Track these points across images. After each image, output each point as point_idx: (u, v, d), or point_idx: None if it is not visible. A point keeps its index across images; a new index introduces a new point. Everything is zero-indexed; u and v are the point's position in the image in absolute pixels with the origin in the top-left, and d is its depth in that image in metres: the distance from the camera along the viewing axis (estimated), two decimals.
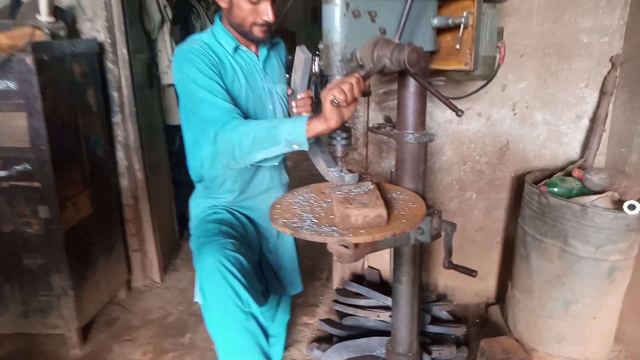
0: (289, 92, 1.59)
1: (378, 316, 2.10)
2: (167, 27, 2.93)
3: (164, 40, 2.92)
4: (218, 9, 4.56)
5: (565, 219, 1.78)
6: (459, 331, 2.13)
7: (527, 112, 2.17)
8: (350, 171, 1.39)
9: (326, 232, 1.17)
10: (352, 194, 1.31)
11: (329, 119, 1.10)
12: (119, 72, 2.40)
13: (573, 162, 2.18)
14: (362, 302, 2.20)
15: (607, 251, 1.74)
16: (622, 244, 1.73)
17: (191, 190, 1.75)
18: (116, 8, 2.30)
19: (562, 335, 1.92)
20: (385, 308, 2.13)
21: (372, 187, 1.36)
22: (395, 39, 1.17)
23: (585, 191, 1.90)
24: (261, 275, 1.65)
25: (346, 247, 1.34)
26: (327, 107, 1.09)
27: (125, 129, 2.49)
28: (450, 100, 1.25)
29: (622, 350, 2.04)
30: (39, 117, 1.84)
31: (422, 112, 1.46)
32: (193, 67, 1.33)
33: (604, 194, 1.79)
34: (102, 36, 2.30)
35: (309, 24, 9.49)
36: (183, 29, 3.98)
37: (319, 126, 1.13)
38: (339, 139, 1.31)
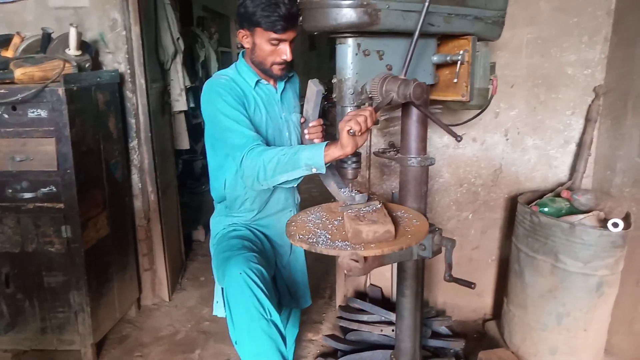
0: (302, 120, 1.75)
1: (381, 331, 2.21)
2: (179, 58, 3.11)
3: (177, 71, 3.10)
4: (220, 38, 4.76)
5: (556, 237, 1.93)
6: (458, 345, 2.24)
7: (519, 137, 2.34)
8: (360, 192, 1.53)
9: (340, 247, 1.31)
10: (362, 212, 1.45)
11: (345, 147, 1.26)
12: (137, 100, 2.55)
13: (562, 184, 2.34)
14: (365, 317, 2.31)
15: (594, 266, 1.88)
16: (609, 259, 1.87)
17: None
18: (136, 42, 2.48)
19: (556, 347, 2.03)
20: (388, 323, 2.25)
21: (379, 206, 1.50)
22: (402, 75, 1.33)
23: (574, 211, 2.04)
24: (275, 289, 1.77)
25: (356, 261, 1.48)
26: (343, 136, 1.24)
27: (140, 153, 2.64)
28: (449, 127, 1.41)
29: None
30: (67, 142, 1.98)
31: (423, 139, 1.61)
32: (221, 99, 1.49)
33: (590, 213, 1.94)
34: (122, 67, 2.46)
35: (307, 51, 9.81)
36: (188, 57, 4.18)
37: (336, 152, 1.28)
38: (349, 162, 1.46)
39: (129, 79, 2.49)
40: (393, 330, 2.18)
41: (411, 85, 1.29)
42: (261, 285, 1.42)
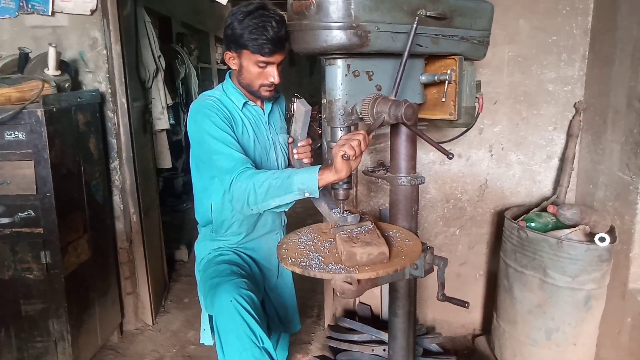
0: (290, 140, 1.73)
1: (372, 350, 2.18)
2: (160, 76, 3.07)
3: (158, 89, 3.06)
4: (200, 54, 4.74)
5: (544, 252, 1.94)
6: None
7: (503, 153, 2.37)
8: (351, 212, 1.52)
9: (334, 270, 1.29)
10: (355, 233, 1.44)
11: (340, 171, 1.24)
12: (118, 120, 2.50)
13: (546, 198, 2.37)
14: (355, 337, 2.28)
15: (582, 281, 1.90)
16: (595, 273, 1.89)
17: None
18: (117, 60, 2.43)
19: None
20: (379, 342, 2.22)
21: (372, 226, 1.49)
22: (392, 96, 1.33)
23: (560, 225, 2.07)
24: (263, 313, 1.73)
25: (350, 283, 1.46)
26: (338, 160, 1.23)
27: (122, 174, 2.57)
28: (440, 144, 1.41)
29: None
30: (46, 165, 1.92)
31: (413, 157, 1.61)
32: (209, 121, 1.46)
33: (576, 228, 1.97)
34: (103, 87, 2.41)
35: (286, 67, 9.84)
36: (167, 74, 4.14)
37: (330, 177, 1.27)
38: (341, 183, 1.44)
39: (110, 99, 2.44)
40: (385, 350, 2.16)
41: (402, 106, 1.29)
42: (252, 312, 1.38)
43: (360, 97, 1.39)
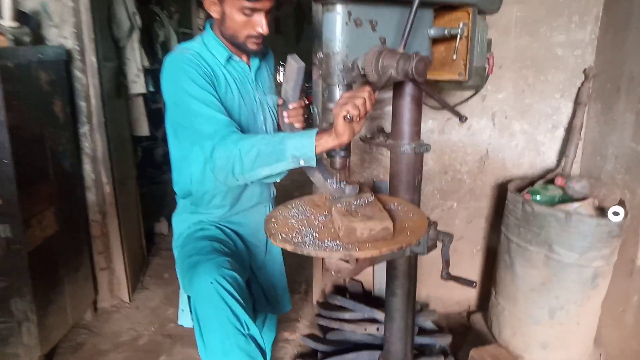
0: (280, 102, 1.54)
1: (365, 330, 2.06)
2: (136, 36, 2.82)
3: (133, 49, 2.81)
4: (181, 18, 4.37)
5: (550, 227, 1.81)
6: (445, 341, 2.12)
7: (506, 122, 2.21)
8: (349, 183, 1.35)
9: (330, 247, 1.13)
10: (353, 206, 1.27)
11: (341, 135, 1.07)
12: (88, 81, 2.27)
13: (550, 171, 2.24)
14: (347, 315, 2.16)
15: (590, 257, 1.78)
16: (605, 250, 1.77)
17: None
18: (85, 15, 2.18)
19: (548, 341, 1.94)
20: (372, 321, 2.10)
21: (372, 198, 1.33)
22: (400, 49, 1.15)
23: (566, 198, 1.94)
24: (249, 294, 1.57)
25: (346, 261, 1.30)
26: (339, 122, 1.05)
27: (93, 141, 2.36)
28: (452, 108, 1.24)
29: (601, 354, 2.09)
30: (2, 129, 1.70)
31: (417, 122, 1.44)
32: (187, 77, 1.26)
33: (585, 201, 1.84)
34: (69, 43, 2.17)
35: (272, 35, 9.49)
36: (146, 37, 3.85)
37: (329, 142, 1.09)
38: (338, 149, 1.27)
39: (78, 57, 2.20)
40: (378, 330, 2.04)
41: (413, 59, 1.11)
42: (236, 295, 1.21)
43: (362, 50, 1.21)
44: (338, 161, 1.29)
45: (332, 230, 1.22)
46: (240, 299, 1.21)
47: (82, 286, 2.34)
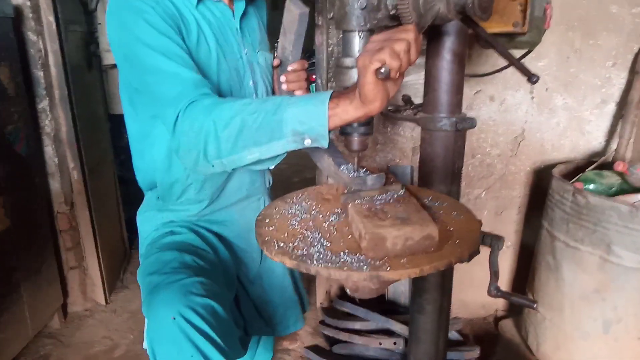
0: (276, 62, 1.18)
1: (380, 344, 1.73)
2: None
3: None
4: None
5: (610, 223, 1.47)
6: (472, 355, 1.80)
7: (547, 95, 1.85)
8: (370, 171, 1.00)
9: (349, 264, 0.78)
10: (378, 203, 0.92)
11: (371, 100, 0.71)
12: (45, 45, 1.89)
13: (596, 154, 1.90)
14: (358, 325, 1.82)
15: None
16: None
17: (140, 189, 1.30)
18: None
19: (599, 359, 1.61)
20: (388, 333, 1.77)
21: (402, 192, 0.98)
22: None
23: (626, 188, 1.60)
24: (238, 316, 1.22)
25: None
26: (369, 80, 0.70)
27: (54, 118, 1.99)
28: (520, 64, 0.88)
29: None
30: None
31: (459, 89, 1.08)
32: (141, 20, 0.89)
33: None
34: None
35: (269, 11, 8.98)
36: None
37: (351, 111, 0.73)
38: (355, 125, 0.91)
39: (31, 15, 1.82)
40: (395, 344, 1.71)
41: None
42: (210, 332, 0.86)
43: None
44: (356, 141, 0.93)
45: (350, 238, 0.88)
46: (215, 338, 0.86)
47: (46, 290, 2.00)
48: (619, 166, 1.55)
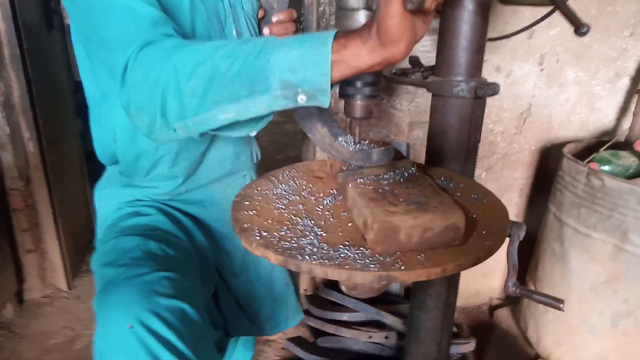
0: (260, 14, 0.97)
1: (370, 337, 1.58)
2: None
3: None
4: None
5: (627, 208, 1.33)
6: (468, 348, 1.66)
7: (557, 67, 1.69)
8: (374, 144, 0.82)
9: (352, 261, 0.61)
10: (385, 183, 0.75)
11: (396, 39, 0.53)
12: None
13: (606, 133, 1.75)
14: (345, 316, 1.67)
15: None
16: None
17: None
18: None
19: (605, 355, 1.50)
20: (378, 325, 1.62)
21: (413, 169, 0.80)
22: None
23: None
24: (217, 315, 1.04)
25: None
26: (394, 12, 0.51)
27: (4, 81, 1.75)
28: (568, 9, 0.71)
29: None
30: None
31: (481, 47, 0.90)
32: None
33: None
34: None
35: None
36: None
37: (364, 55, 0.55)
38: (359, 85, 0.73)
39: None
40: (387, 338, 1.56)
41: None
42: (176, 342, 0.67)
43: None
44: (359, 105, 0.75)
45: (350, 226, 0.70)
46: (181, 348, 0.68)
47: None
48: (638, 145, 1.40)
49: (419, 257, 0.62)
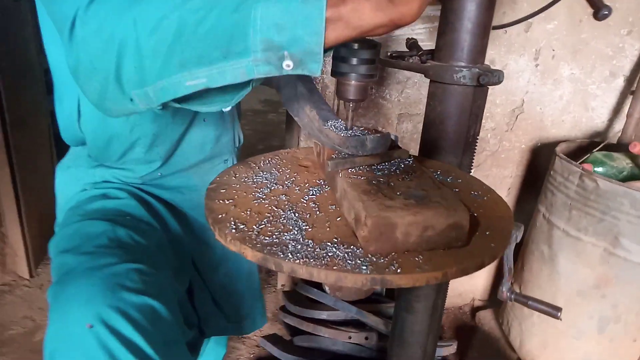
0: None
1: (349, 338, 1.51)
2: None
3: None
4: None
5: (620, 212, 1.28)
6: (450, 350, 1.61)
7: (553, 63, 1.63)
8: (368, 130, 0.74)
9: (341, 261, 0.53)
10: (379, 174, 0.67)
11: None
12: None
13: (598, 133, 1.71)
14: (325, 314, 1.59)
15: None
16: None
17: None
18: None
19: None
20: (358, 325, 1.55)
21: (410, 160, 0.72)
22: None
23: (638, 173, 1.41)
24: (191, 312, 0.94)
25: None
26: None
27: None
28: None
29: None
30: None
31: (486, 30, 0.83)
32: None
33: None
34: None
35: None
36: None
37: (367, 12, 0.46)
38: (355, 61, 0.64)
39: None
40: (367, 339, 1.49)
41: None
42: (142, 344, 0.58)
43: None
44: (354, 85, 0.66)
45: (339, 220, 0.62)
46: (148, 351, 0.58)
47: None
48: (635, 147, 1.35)
49: (416, 258, 0.55)
